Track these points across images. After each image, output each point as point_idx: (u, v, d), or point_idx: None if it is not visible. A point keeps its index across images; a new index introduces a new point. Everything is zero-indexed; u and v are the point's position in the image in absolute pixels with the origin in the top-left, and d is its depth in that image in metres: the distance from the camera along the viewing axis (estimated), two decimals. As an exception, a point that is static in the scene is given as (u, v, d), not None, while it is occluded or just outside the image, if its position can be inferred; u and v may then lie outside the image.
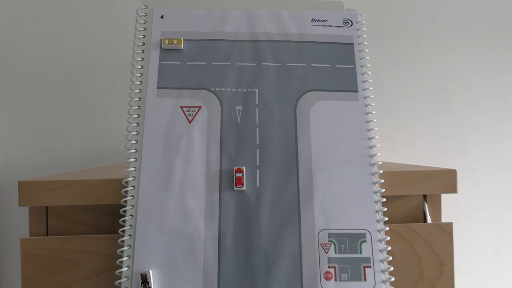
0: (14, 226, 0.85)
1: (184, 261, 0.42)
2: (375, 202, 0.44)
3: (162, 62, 0.49)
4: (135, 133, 0.46)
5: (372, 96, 0.49)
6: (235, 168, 0.44)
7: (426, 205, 0.48)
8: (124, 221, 0.43)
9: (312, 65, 0.50)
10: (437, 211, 0.48)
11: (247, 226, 0.43)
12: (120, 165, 0.73)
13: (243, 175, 0.44)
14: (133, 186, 0.44)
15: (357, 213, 0.44)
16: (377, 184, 0.45)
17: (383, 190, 0.45)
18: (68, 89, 0.87)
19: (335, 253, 0.43)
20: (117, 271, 0.42)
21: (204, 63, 0.49)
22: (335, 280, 0.42)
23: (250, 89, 0.48)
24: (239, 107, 0.47)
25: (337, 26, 0.52)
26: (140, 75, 0.49)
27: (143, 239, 0.42)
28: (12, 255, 0.85)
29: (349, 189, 0.45)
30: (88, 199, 0.45)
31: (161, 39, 0.50)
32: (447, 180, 0.47)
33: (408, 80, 0.92)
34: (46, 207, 0.46)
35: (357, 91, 0.49)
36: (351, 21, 0.52)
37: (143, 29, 0.51)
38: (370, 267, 0.42)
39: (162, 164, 0.45)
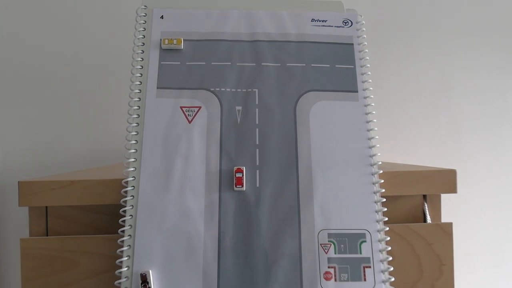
0: (14, 226, 0.85)
1: (184, 261, 0.42)
2: (375, 202, 0.44)
3: (162, 62, 0.49)
4: (135, 133, 0.46)
5: (372, 96, 0.49)
6: (235, 168, 0.44)
7: (426, 205, 0.48)
8: (124, 221, 0.43)
9: (312, 65, 0.50)
10: (437, 211, 0.48)
11: (247, 226, 0.43)
12: (120, 165, 0.73)
13: (243, 175, 0.44)
14: (133, 186, 0.44)
15: (357, 213, 0.44)
16: (377, 184, 0.45)
17: (383, 190, 0.45)
18: (67, 89, 0.87)
19: (335, 253, 0.43)
20: (117, 271, 0.42)
21: (204, 63, 0.49)
22: (335, 280, 0.42)
23: (250, 89, 0.48)
24: (239, 107, 0.47)
25: (337, 26, 0.52)
26: (140, 75, 0.49)
27: (143, 239, 0.42)
28: (12, 255, 0.85)
29: (349, 189, 0.45)
30: (88, 199, 0.45)
31: (161, 39, 0.50)
32: (447, 180, 0.47)
33: (408, 80, 0.92)
34: (46, 207, 0.46)
35: (357, 91, 0.49)
36: (351, 21, 0.52)
37: (143, 29, 0.51)
38: (370, 267, 0.42)
39: (162, 164, 0.45)
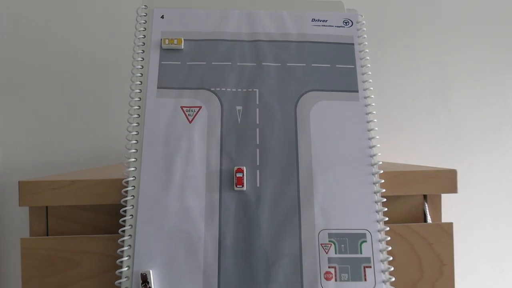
0: (14, 226, 0.85)
1: (184, 261, 0.42)
2: (375, 202, 0.44)
3: (162, 62, 0.49)
4: (135, 133, 0.46)
5: (372, 96, 0.49)
6: (235, 168, 0.44)
7: (426, 205, 0.48)
8: (124, 221, 0.43)
9: (313, 65, 0.50)
10: (437, 211, 0.48)
11: (247, 226, 0.43)
12: (120, 165, 0.73)
13: (243, 175, 0.44)
14: (133, 186, 0.44)
15: (357, 213, 0.44)
16: (377, 184, 0.45)
17: (383, 190, 0.45)
18: (68, 89, 0.87)
19: (335, 253, 0.43)
20: (117, 271, 0.42)
21: (204, 63, 0.49)
22: (335, 280, 0.42)
23: (250, 89, 0.48)
24: (239, 107, 0.47)
25: (337, 26, 0.52)
26: (140, 75, 0.49)
27: (143, 239, 0.42)
28: (12, 255, 0.85)
29: (349, 189, 0.45)
30: (88, 199, 0.45)
31: (161, 39, 0.50)
32: (447, 180, 0.47)
33: (408, 80, 0.92)
34: (46, 207, 0.46)
35: (357, 91, 0.49)
36: (351, 21, 0.52)
37: (143, 29, 0.51)
38: (370, 267, 0.42)
39: (162, 164, 0.45)
